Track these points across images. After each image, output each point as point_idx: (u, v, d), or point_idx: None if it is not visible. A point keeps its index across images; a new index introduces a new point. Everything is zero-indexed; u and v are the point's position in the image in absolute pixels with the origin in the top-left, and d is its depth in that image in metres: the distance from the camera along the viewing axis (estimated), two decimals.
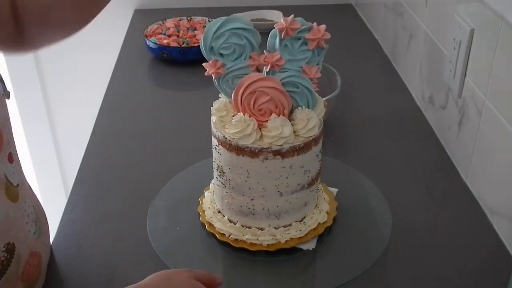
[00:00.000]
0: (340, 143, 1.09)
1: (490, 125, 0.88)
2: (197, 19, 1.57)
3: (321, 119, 0.80)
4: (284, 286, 0.80)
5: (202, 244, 0.85)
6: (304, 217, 0.83)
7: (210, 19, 1.53)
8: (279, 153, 0.76)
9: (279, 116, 0.75)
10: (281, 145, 0.75)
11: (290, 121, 0.76)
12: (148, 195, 0.92)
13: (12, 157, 0.68)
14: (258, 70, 0.77)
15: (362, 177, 0.97)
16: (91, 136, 1.13)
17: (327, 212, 0.86)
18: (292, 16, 0.73)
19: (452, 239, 0.86)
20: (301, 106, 0.77)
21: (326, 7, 1.79)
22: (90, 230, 0.88)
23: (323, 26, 0.74)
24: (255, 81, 0.74)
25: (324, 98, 0.98)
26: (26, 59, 1.79)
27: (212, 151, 0.82)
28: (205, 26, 1.55)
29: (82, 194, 0.97)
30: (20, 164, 0.73)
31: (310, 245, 0.83)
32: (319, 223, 0.84)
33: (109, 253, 0.83)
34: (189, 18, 1.57)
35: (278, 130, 0.74)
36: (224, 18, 0.74)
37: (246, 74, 0.76)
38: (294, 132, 0.76)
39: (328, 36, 0.74)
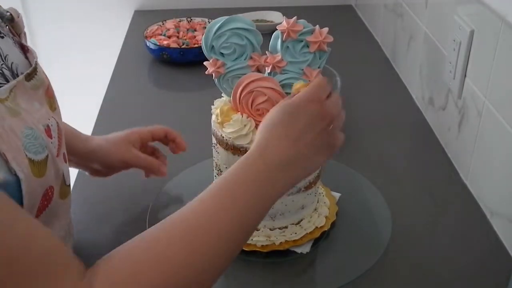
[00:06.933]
0: None
1: (490, 126, 0.88)
2: (197, 20, 1.57)
3: None
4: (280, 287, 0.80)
5: None
6: (301, 220, 0.83)
7: (210, 20, 1.53)
8: None
9: None
10: None
11: None
12: (148, 195, 0.92)
13: (66, 158, 0.69)
14: (259, 70, 0.76)
15: (361, 178, 0.96)
16: None
17: (326, 217, 0.85)
18: (295, 18, 0.73)
19: (452, 240, 0.86)
20: None
21: (326, 8, 1.80)
22: (90, 231, 0.88)
23: (325, 29, 0.73)
24: (253, 81, 0.73)
25: None
26: None
27: (212, 150, 0.82)
28: (205, 27, 1.56)
29: (82, 194, 0.97)
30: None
31: (305, 249, 0.82)
32: (316, 227, 0.83)
33: None
34: (189, 19, 1.57)
35: None
36: (225, 17, 0.74)
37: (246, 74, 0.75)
38: None
39: (330, 39, 0.73)
